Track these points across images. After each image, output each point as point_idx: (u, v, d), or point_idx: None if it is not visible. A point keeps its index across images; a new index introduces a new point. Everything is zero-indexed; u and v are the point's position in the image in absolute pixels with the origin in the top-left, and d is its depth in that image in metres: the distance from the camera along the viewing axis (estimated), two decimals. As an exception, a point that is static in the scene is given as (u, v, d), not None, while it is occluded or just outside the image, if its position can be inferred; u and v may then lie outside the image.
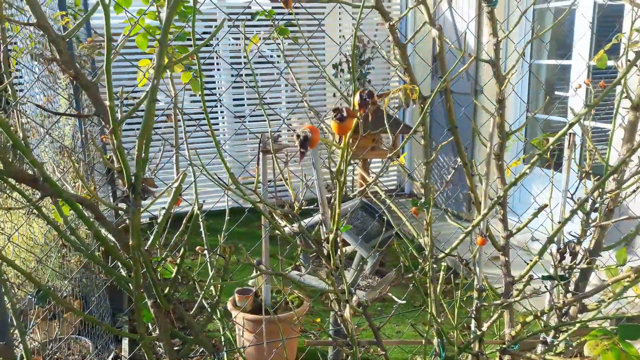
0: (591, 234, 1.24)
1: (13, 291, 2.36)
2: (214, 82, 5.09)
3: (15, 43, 2.54)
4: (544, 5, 4.09)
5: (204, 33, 4.77)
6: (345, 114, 0.81)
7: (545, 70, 4.38)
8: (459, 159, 1.10)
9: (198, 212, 0.94)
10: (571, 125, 1.15)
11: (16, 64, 2.42)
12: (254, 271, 2.70)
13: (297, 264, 2.20)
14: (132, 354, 2.49)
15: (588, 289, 1.30)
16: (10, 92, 0.95)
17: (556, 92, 4.19)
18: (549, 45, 4.28)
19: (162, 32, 0.70)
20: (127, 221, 0.80)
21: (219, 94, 5.07)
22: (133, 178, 0.73)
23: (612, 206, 1.22)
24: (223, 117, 5.14)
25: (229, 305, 2.69)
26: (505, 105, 1.20)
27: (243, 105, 5.15)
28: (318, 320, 3.17)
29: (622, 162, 1.15)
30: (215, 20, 4.75)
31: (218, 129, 5.16)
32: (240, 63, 5.12)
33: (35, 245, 2.21)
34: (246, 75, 5.18)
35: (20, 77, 2.97)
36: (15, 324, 0.95)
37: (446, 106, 1.00)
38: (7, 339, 0.92)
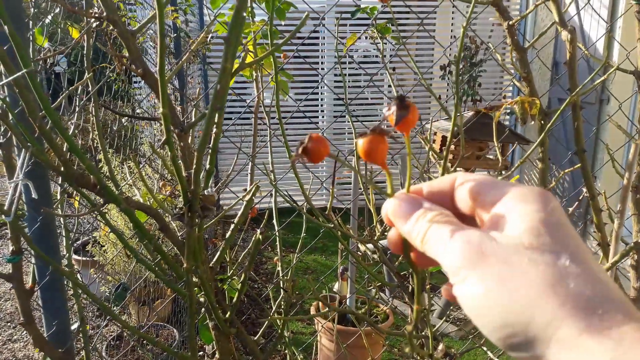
0: None
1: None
2: (317, 82, 5.06)
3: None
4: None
5: (314, 31, 4.75)
6: (377, 131, 0.66)
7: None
8: (584, 189, 0.90)
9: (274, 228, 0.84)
10: None
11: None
12: (338, 280, 2.60)
13: (380, 284, 2.06)
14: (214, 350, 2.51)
15: None
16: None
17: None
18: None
19: (229, 27, 0.60)
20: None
21: (321, 93, 5.03)
22: (189, 194, 0.64)
23: None
24: (323, 117, 5.10)
25: (312, 310, 2.62)
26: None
27: (344, 105, 5.08)
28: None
29: None
30: (324, 19, 4.70)
31: (317, 128, 5.13)
32: (344, 62, 5.04)
33: (132, 239, 2.28)
34: (349, 75, 5.10)
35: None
36: (80, 330, 0.92)
37: (574, 125, 0.82)
38: (68, 344, 0.88)
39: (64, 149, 0.71)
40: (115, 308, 2.19)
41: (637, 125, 0.91)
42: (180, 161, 0.75)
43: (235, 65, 0.65)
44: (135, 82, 4.00)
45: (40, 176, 0.79)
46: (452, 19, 4.84)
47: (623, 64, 1.06)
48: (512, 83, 4.90)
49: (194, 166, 0.63)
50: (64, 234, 1.01)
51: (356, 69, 4.94)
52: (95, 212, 0.77)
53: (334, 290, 2.64)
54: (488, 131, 3.06)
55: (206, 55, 4.17)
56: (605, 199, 0.94)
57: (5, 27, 0.63)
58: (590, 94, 3.94)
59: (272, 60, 0.92)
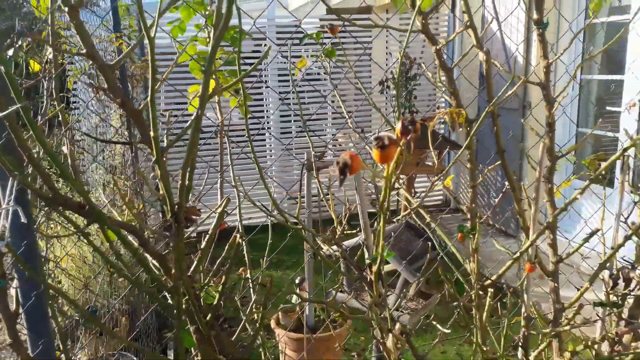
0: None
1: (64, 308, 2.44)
2: (262, 100, 5.17)
3: (73, 64, 2.65)
4: (596, 20, 3.93)
5: (254, 51, 4.85)
6: (387, 142, 0.79)
7: (597, 85, 4.21)
8: (507, 182, 1.05)
9: (240, 241, 0.93)
10: (625, 150, 1.08)
11: (73, 83, 2.52)
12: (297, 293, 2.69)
13: (340, 289, 2.17)
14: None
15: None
16: (60, 117, 0.98)
17: (607, 107, 4.01)
18: (600, 59, 4.11)
19: (207, 62, 0.70)
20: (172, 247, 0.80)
21: (267, 111, 5.14)
22: (176, 207, 0.73)
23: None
24: (270, 135, 5.20)
25: (272, 323, 2.69)
26: (555, 127, 1.15)
27: (290, 121, 5.21)
28: (362, 337, 3.13)
29: None
30: (264, 39, 4.83)
31: (265, 145, 5.23)
32: (288, 80, 5.17)
33: (84, 266, 2.28)
34: (293, 92, 5.23)
35: (76, 95, 3.10)
36: (61, 347, 0.97)
37: (493, 131, 0.96)
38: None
39: (52, 176, 0.78)
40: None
41: (546, 128, 1.07)
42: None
43: (213, 84, 0.74)
44: (75, 109, 3.94)
45: (24, 202, 0.85)
46: (387, 35, 5.09)
47: (535, 75, 1.23)
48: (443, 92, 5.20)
49: (180, 182, 0.72)
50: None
51: (300, 86, 5.09)
52: (79, 233, 0.84)
53: (293, 301, 2.73)
54: (425, 140, 3.27)
55: (148, 79, 4.18)
56: (524, 190, 1.09)
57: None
58: (514, 101, 4.27)
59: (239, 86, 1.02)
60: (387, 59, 4.85)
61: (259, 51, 4.85)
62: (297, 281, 2.63)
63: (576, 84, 4.15)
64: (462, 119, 0.96)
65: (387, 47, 5.05)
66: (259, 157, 5.12)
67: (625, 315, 1.17)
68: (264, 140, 5.19)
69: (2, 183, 0.82)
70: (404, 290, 2.24)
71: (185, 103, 1.31)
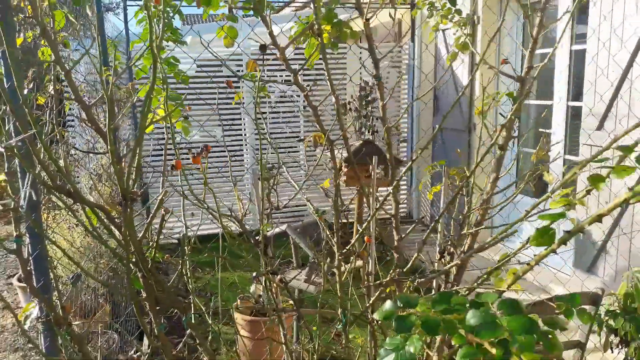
0: (466, 239, 1.65)
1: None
2: (240, 119, 5.69)
3: (68, 92, 3.19)
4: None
5: (197, 71, 5.30)
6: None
7: (534, 109, 4.76)
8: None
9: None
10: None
11: (69, 109, 3.04)
12: (253, 284, 3.18)
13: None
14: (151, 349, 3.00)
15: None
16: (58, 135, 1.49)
17: (540, 129, 4.55)
18: (536, 86, 4.66)
19: (143, 103, 1.21)
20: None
21: (244, 129, 5.66)
22: (126, 191, 1.23)
23: (481, 219, 1.64)
24: (247, 150, 5.73)
25: (232, 309, 3.17)
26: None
27: (265, 138, 5.73)
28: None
29: (493, 185, 1.60)
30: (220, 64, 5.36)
31: (243, 159, 5.76)
32: (263, 102, 5.70)
33: (76, 251, 2.77)
34: (270, 112, 5.75)
35: (72, 117, 3.62)
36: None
37: (386, 144, 1.48)
38: (50, 292, 1.43)
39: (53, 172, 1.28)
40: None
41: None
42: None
43: (152, 116, 1.26)
44: (71, 127, 4.47)
45: (35, 188, 1.34)
46: (345, 63, 5.64)
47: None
48: (402, 116, 5.75)
49: (126, 175, 1.23)
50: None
51: (273, 107, 5.63)
52: (69, 209, 1.34)
53: (251, 292, 3.21)
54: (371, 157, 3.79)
55: (135, 104, 4.71)
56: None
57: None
58: (459, 122, 4.82)
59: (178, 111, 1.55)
60: (346, 84, 5.39)
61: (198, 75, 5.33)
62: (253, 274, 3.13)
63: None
64: (322, 140, 1.47)
65: (345, 74, 5.60)
66: (239, 172, 5.64)
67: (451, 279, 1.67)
68: (242, 156, 5.72)
69: (22, 176, 1.32)
70: (315, 267, 2.80)
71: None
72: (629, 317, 1.93)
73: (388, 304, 0.92)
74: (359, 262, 1.76)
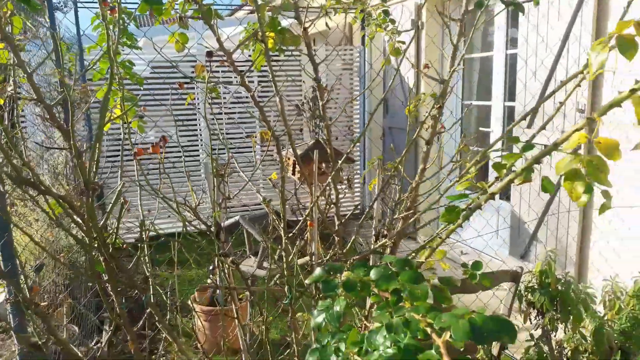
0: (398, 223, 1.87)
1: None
2: (195, 119, 5.79)
3: (21, 93, 3.24)
4: (471, 55, 4.81)
5: (152, 73, 5.37)
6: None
7: (476, 109, 5.08)
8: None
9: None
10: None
11: (22, 109, 3.10)
12: (210, 276, 3.33)
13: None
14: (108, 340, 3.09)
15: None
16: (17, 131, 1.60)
17: (480, 128, 4.87)
18: (477, 89, 4.99)
19: (102, 103, 1.36)
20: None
21: (199, 128, 5.76)
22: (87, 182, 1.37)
23: (410, 206, 1.86)
24: (202, 147, 5.83)
25: (190, 301, 3.30)
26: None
27: (215, 133, 5.85)
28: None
29: (421, 175, 1.81)
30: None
31: (198, 155, 5.86)
32: (218, 103, 5.82)
33: (36, 246, 2.84)
34: (226, 113, 5.87)
35: (24, 117, 3.66)
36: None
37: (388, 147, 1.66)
38: (16, 276, 1.54)
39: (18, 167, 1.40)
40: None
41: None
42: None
43: (109, 115, 1.40)
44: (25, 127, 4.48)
45: (1, 180, 1.46)
46: (303, 65, 5.84)
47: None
48: (355, 117, 5.98)
49: (87, 168, 1.37)
50: None
51: (229, 108, 5.75)
52: (33, 200, 1.47)
53: (208, 282, 3.36)
54: (324, 155, 4.00)
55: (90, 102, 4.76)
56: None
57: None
58: (404, 121, 5.07)
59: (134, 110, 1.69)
60: (301, 86, 5.59)
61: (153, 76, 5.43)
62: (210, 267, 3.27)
63: (460, 104, 5.00)
64: (268, 136, 1.64)
65: (301, 75, 5.81)
66: (194, 170, 5.74)
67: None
68: (198, 155, 5.81)
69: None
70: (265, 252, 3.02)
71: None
72: (543, 292, 2.19)
73: (317, 270, 1.10)
74: (307, 258, 1.96)
